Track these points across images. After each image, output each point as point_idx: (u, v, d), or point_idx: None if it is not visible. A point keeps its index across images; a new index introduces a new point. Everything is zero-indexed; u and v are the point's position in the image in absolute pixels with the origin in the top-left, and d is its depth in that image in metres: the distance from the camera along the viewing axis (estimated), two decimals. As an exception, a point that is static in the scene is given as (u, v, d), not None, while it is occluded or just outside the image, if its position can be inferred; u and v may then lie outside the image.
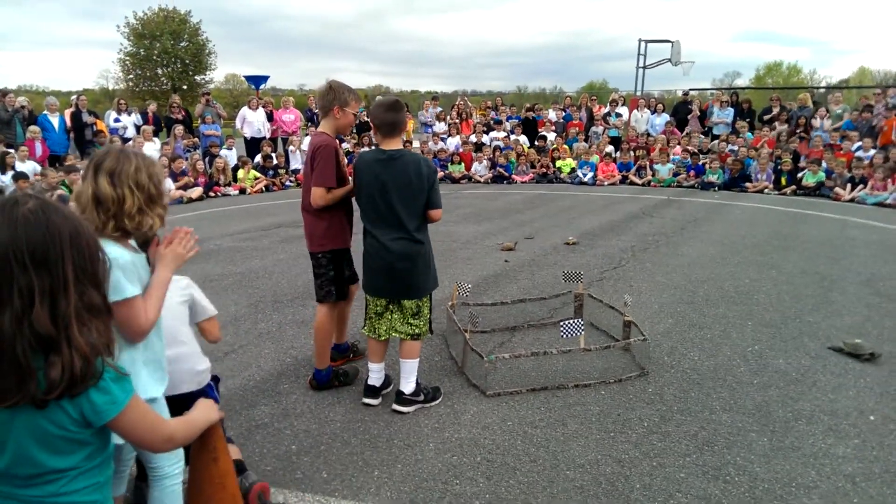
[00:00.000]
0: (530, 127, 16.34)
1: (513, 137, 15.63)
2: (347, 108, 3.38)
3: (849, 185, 11.58)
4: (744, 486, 2.72)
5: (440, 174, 14.61)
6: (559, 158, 14.77)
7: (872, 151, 12.14)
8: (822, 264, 6.60)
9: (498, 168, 14.62)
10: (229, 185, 12.75)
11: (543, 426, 3.22)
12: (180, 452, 1.88)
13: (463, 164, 14.96)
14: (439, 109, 17.35)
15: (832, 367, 3.97)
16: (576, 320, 3.80)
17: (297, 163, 14.34)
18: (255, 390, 3.63)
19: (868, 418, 3.32)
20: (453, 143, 15.80)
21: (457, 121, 16.70)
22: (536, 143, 15.57)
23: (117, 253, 1.80)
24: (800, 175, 12.42)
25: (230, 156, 13.67)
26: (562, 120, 16.39)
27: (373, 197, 3.17)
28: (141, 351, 1.90)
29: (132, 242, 1.96)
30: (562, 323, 3.77)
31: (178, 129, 13.62)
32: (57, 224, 1.31)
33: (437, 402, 3.41)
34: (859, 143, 12.38)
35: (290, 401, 3.49)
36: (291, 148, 14.45)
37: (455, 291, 4.49)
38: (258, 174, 13.24)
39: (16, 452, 1.33)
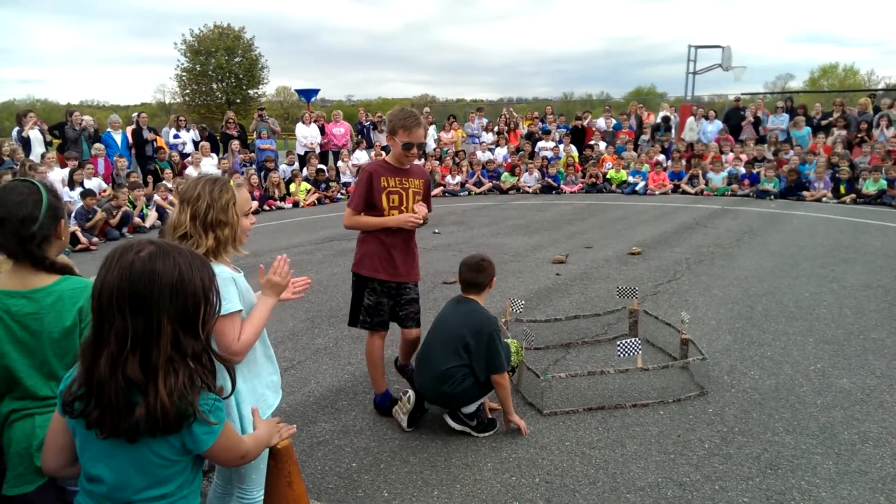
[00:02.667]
0: (579, 136, 16.23)
1: (561, 146, 15.56)
2: (396, 137, 3.40)
3: (915, 192, 11.08)
4: (810, 513, 2.66)
5: (487, 185, 14.71)
6: (610, 168, 14.63)
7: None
8: (887, 277, 6.36)
9: (547, 178, 14.58)
10: (283, 198, 13.11)
11: (602, 447, 3.22)
12: (263, 479, 1.98)
13: (516, 175, 14.97)
14: (486, 120, 17.42)
15: (902, 388, 3.83)
16: (633, 339, 3.78)
17: (347, 176, 14.63)
18: (315, 406, 3.74)
19: (942, 443, 3.19)
20: (501, 153, 15.84)
21: (505, 131, 16.74)
22: (585, 152, 15.46)
23: (217, 270, 1.92)
24: (859, 183, 11.95)
25: (288, 171, 14.08)
26: (611, 129, 16.22)
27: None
28: (257, 365, 2.11)
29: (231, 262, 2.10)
30: (619, 342, 3.76)
31: (235, 144, 14.10)
32: (160, 272, 1.38)
33: (487, 434, 3.35)
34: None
35: (350, 417, 3.59)
36: (341, 163, 14.77)
37: (508, 308, 4.52)
38: (310, 186, 13.57)
39: (117, 479, 1.44)
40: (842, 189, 11.97)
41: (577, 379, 3.93)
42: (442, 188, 14.66)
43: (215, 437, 1.47)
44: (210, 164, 13.26)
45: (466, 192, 14.69)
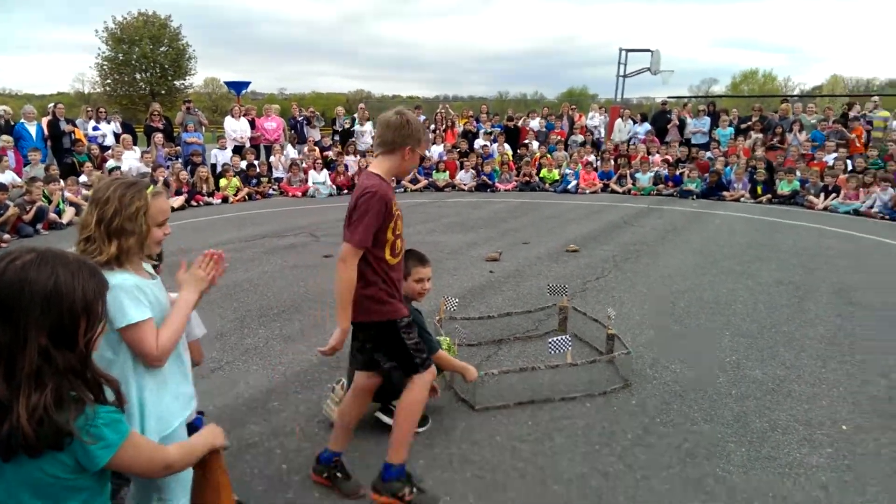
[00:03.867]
0: (513, 135, 16.50)
1: (496, 146, 15.77)
2: (418, 150, 2.73)
3: (822, 194, 11.87)
4: (723, 498, 2.81)
5: (423, 182, 14.72)
6: (542, 167, 14.94)
7: (833, 156, 12.48)
8: (797, 274, 6.79)
9: (482, 177, 14.74)
10: (212, 194, 12.69)
11: (531, 441, 3.30)
12: (188, 490, 1.91)
13: (447, 172, 15.05)
14: (423, 118, 17.42)
15: (807, 377, 4.11)
16: (563, 337, 3.89)
17: (279, 172, 14.33)
18: (244, 409, 3.65)
19: (841, 428, 3.44)
20: (437, 150, 15.90)
21: (441, 129, 16.80)
22: (519, 151, 15.73)
23: (119, 279, 1.84)
24: (775, 184, 12.71)
25: (222, 155, 13.68)
26: (544, 129, 16.57)
27: None
28: (164, 376, 1.95)
29: (147, 268, 2.00)
30: (550, 340, 3.86)
31: (158, 137, 13.52)
32: (32, 281, 1.31)
33: (420, 430, 3.33)
34: (835, 154, 12.68)
35: (281, 419, 3.53)
36: (273, 158, 14.46)
37: (442, 305, 4.56)
38: (240, 183, 13.20)
39: (8, 500, 1.35)
40: (759, 190, 12.68)
41: (510, 374, 4.01)
42: (378, 185, 14.55)
43: (113, 451, 1.39)
44: (132, 158, 12.68)
45: (402, 189, 14.65)
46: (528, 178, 14.66)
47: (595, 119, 16.73)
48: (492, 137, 16.19)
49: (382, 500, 2.70)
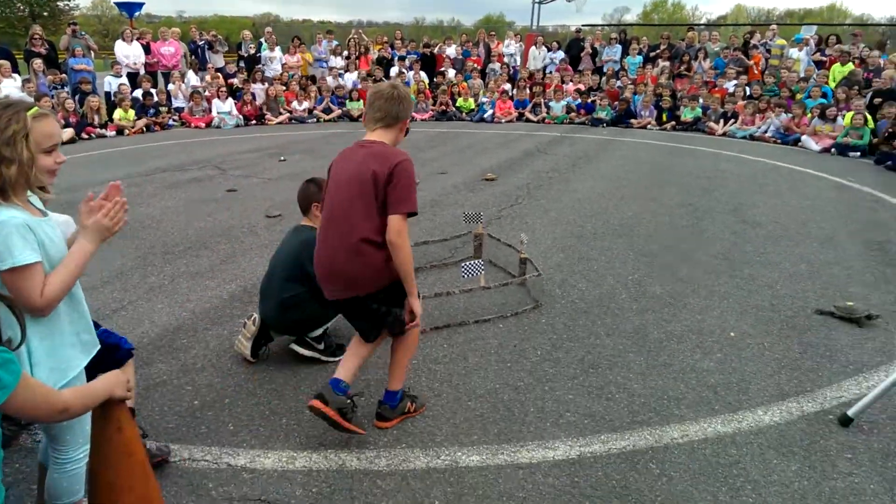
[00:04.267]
0: (429, 63, 16.11)
1: (411, 74, 15.38)
2: (406, 123, 2.80)
3: (722, 121, 12.46)
4: (623, 402, 3.03)
5: (337, 111, 14.25)
6: (459, 95, 14.77)
7: (733, 83, 13.06)
8: (696, 196, 7.17)
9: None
10: (105, 125, 11.75)
11: (446, 362, 3.39)
12: (87, 437, 1.83)
13: (362, 101, 14.60)
14: (335, 44, 16.66)
15: (700, 290, 4.41)
16: (477, 261, 3.96)
17: (179, 101, 13.42)
18: (151, 347, 3.53)
19: (729, 335, 3.75)
20: (351, 79, 15.33)
21: (354, 55, 16.16)
22: (435, 79, 15.43)
23: (6, 215, 1.66)
24: (680, 111, 13.19)
25: (115, 84, 12.62)
26: (461, 56, 16.27)
27: None
28: (58, 323, 1.81)
29: (35, 203, 1.82)
30: (463, 264, 3.92)
31: (37, 63, 12.20)
32: None
33: (336, 358, 3.31)
34: (735, 81, 13.23)
35: (190, 356, 3.44)
36: (172, 86, 13.49)
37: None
38: (136, 115, 12.27)
39: None
40: (664, 117, 13.12)
41: (426, 300, 4.05)
42: (288, 115, 13.97)
43: (7, 393, 1.32)
44: (12, 87, 11.44)
45: (315, 120, 14.14)
46: (444, 107, 14.47)
47: (511, 47, 16.57)
48: (407, 65, 15.76)
49: (394, 423, 2.82)
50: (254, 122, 13.61)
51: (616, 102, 13.67)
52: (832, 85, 12.21)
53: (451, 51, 16.48)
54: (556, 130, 12.82)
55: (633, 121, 13.34)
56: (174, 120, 12.98)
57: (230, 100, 13.41)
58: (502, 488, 2.43)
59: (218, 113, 13.13)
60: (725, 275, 4.72)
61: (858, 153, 10.07)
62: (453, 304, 4.12)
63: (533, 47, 16.23)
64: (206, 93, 13.49)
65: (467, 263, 3.91)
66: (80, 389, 1.63)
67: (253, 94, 13.83)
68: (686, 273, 4.74)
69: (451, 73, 15.72)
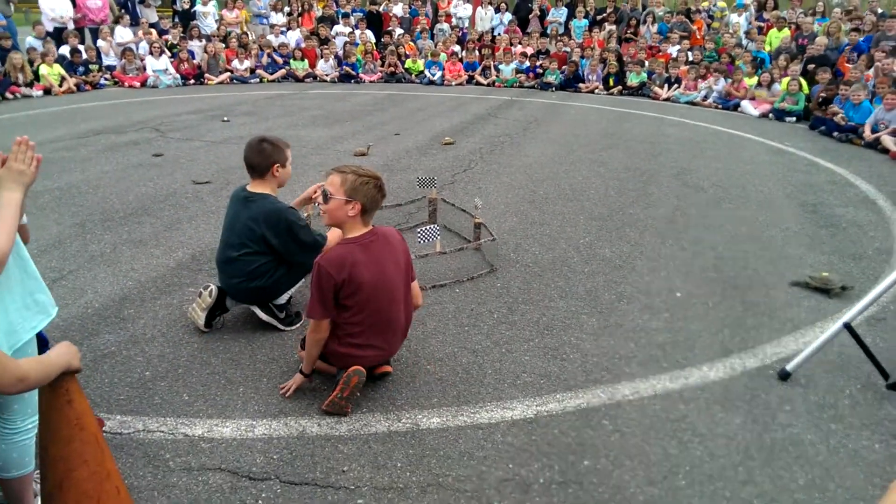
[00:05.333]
0: (375, 22, 15.70)
1: (358, 32, 14.96)
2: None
3: (666, 85, 12.69)
4: (577, 362, 3.12)
5: (281, 72, 13.78)
6: (407, 56, 14.48)
7: (676, 48, 13.29)
8: (642, 160, 7.33)
9: (345, 67, 14.04)
10: (31, 84, 11.01)
11: (403, 327, 3.40)
12: (35, 408, 1.75)
13: (307, 60, 14.15)
14: None
15: (648, 252, 4.55)
16: (432, 226, 3.95)
17: (110, 59, 12.68)
18: (96, 318, 3.40)
19: (675, 295, 3.89)
20: (294, 37, 14.79)
21: (297, 12, 15.57)
22: (383, 39, 15.06)
23: None
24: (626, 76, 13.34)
25: (39, 45, 11.76)
26: (408, 15, 15.90)
27: None
28: (7, 283, 1.70)
29: None
30: (419, 230, 3.91)
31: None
32: None
33: (294, 327, 3.35)
34: (678, 46, 13.44)
35: (139, 326, 3.33)
36: (101, 42, 12.71)
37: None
38: (65, 72, 11.53)
39: None
40: (611, 82, 13.26)
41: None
42: (229, 74, 13.42)
43: None
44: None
45: (258, 80, 13.64)
46: (393, 69, 14.19)
47: (459, 8, 16.28)
48: (352, 23, 15.32)
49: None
50: (192, 81, 13.03)
51: (564, 66, 13.71)
52: (767, 49, 12.57)
53: (398, 9, 16.09)
54: (506, 94, 12.79)
55: (581, 85, 13.43)
56: (106, 79, 12.28)
57: (165, 57, 12.75)
58: (462, 448, 2.48)
59: (153, 71, 12.49)
60: (671, 237, 4.87)
61: (794, 118, 10.46)
62: (409, 270, 4.11)
63: (480, 8, 16.01)
64: (140, 50, 12.79)
65: (423, 229, 3.90)
66: (36, 360, 1.56)
67: (190, 52, 13.20)
68: (634, 236, 4.87)
69: (398, 32, 15.37)
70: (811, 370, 3.07)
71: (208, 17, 14.65)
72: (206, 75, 13.20)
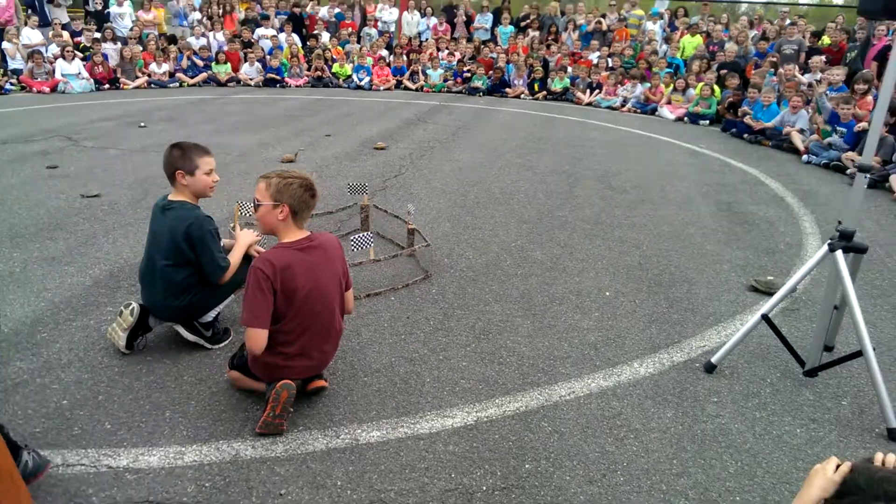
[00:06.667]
0: (300, 25, 15.40)
1: (283, 36, 14.64)
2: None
3: (588, 90, 13.09)
4: (514, 365, 3.15)
5: (203, 75, 13.32)
6: (334, 61, 14.29)
7: (596, 55, 13.74)
8: (568, 163, 7.53)
9: (269, 73, 13.71)
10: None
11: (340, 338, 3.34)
12: None
13: (229, 64, 13.72)
14: (197, 1, 15.45)
15: (577, 253, 4.66)
16: (366, 234, 3.90)
17: (17, 62, 11.89)
18: (6, 344, 3.15)
19: (605, 294, 4.01)
20: (217, 40, 14.32)
21: (219, 14, 15.08)
22: (309, 43, 14.80)
23: None
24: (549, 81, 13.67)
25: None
26: (334, 19, 15.70)
27: None
28: None
29: None
30: (352, 238, 3.85)
31: None
32: None
33: (221, 345, 3.22)
34: (598, 53, 13.89)
35: (53, 351, 3.11)
36: (7, 45, 11.88)
37: (237, 211, 4.28)
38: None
39: None
40: (535, 86, 13.56)
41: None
42: (147, 78, 12.84)
43: None
44: None
45: (178, 84, 13.12)
46: (320, 73, 13.97)
47: (386, 13, 16.20)
48: (277, 25, 14.99)
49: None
50: (107, 86, 12.38)
51: (491, 72, 13.90)
52: (679, 55, 13.19)
53: (324, 12, 15.86)
54: (434, 99, 12.84)
55: (507, 90, 13.65)
56: (12, 83, 11.48)
57: (78, 61, 12.06)
58: (404, 461, 2.46)
59: (63, 75, 11.78)
60: (598, 238, 5.02)
61: (707, 121, 11.04)
62: (342, 279, 4.04)
63: (406, 12, 16.02)
64: (49, 53, 12.04)
65: (357, 236, 3.85)
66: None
67: (105, 55, 12.54)
68: (563, 238, 4.99)
69: (325, 36, 15.15)
70: (734, 361, 3.24)
71: (124, 18, 13.98)
72: (122, 79, 12.57)
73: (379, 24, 15.78)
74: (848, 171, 7.45)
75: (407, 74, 14.28)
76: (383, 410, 2.76)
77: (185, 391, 2.83)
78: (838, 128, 8.07)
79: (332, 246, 2.72)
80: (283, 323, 2.54)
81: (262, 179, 2.64)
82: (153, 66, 13.02)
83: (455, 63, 14.28)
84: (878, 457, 1.40)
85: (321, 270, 2.61)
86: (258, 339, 2.48)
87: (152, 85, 12.84)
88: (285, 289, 2.49)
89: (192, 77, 13.28)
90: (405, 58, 14.51)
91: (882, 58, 9.87)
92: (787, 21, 12.94)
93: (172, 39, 13.91)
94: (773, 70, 10.82)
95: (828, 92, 8.91)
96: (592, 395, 2.94)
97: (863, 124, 7.66)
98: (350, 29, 15.38)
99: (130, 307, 3.06)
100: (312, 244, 2.62)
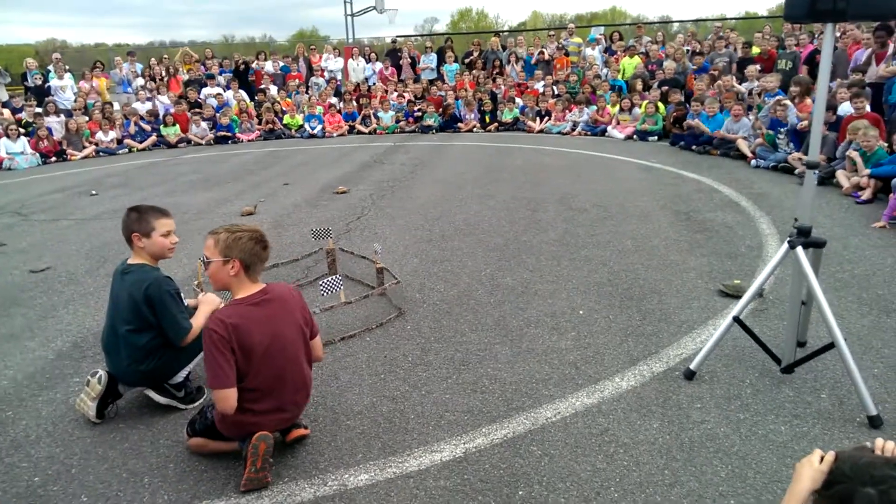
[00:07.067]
0: (246, 80, 15.47)
1: (230, 93, 14.67)
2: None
3: (538, 118, 13.42)
4: (497, 393, 3.13)
5: (151, 139, 13.20)
6: (284, 112, 14.36)
7: (541, 84, 14.15)
8: (527, 190, 7.65)
9: (219, 131, 13.67)
10: None
11: (318, 385, 3.26)
12: None
13: (178, 125, 13.64)
14: (139, 66, 15.42)
15: (547, 276, 4.71)
16: (334, 277, 3.86)
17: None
18: (-35, 428, 2.99)
19: (578, 313, 4.04)
20: (163, 102, 14.25)
21: (161, 77, 15.04)
22: (257, 97, 14.86)
23: None
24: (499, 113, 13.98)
25: None
26: (280, 72, 15.82)
27: None
28: None
29: None
30: (321, 282, 3.81)
31: None
32: None
33: (196, 405, 3.12)
34: (543, 82, 14.30)
35: (20, 429, 2.96)
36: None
37: (199, 268, 4.20)
38: None
39: None
40: (486, 119, 13.84)
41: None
42: (94, 147, 12.66)
43: None
44: None
45: (127, 150, 12.96)
46: (271, 126, 13.99)
47: (330, 61, 16.41)
48: (223, 83, 15.02)
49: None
50: (53, 159, 12.15)
51: (441, 109, 14.15)
52: (620, 76, 13.67)
53: (269, 67, 15.98)
54: (388, 140, 12.97)
55: (459, 125, 13.90)
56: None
57: (22, 138, 11.84)
58: (395, 501, 2.40)
59: (8, 153, 11.52)
60: (565, 258, 5.08)
61: (656, 137, 11.40)
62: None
63: (351, 59, 16.26)
64: (-10, 130, 11.79)
65: (325, 281, 3.81)
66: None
67: (49, 129, 12.34)
68: (532, 262, 5.03)
69: (272, 89, 15.24)
70: (712, 366, 3.28)
71: (66, 91, 13.83)
72: (69, 151, 12.37)
73: (325, 73, 15.96)
74: (796, 171, 7.76)
75: (359, 119, 14.42)
76: (369, 452, 2.70)
77: (163, 455, 2.72)
78: (780, 129, 8.42)
79: (288, 296, 2.66)
80: (248, 381, 2.46)
81: (211, 235, 2.57)
82: (100, 135, 12.86)
83: (406, 104, 14.50)
84: (879, 443, 1.43)
85: (279, 323, 2.55)
86: (227, 399, 2.40)
87: (101, 154, 12.67)
88: (242, 346, 2.42)
89: (140, 142, 13.15)
90: (355, 103, 14.67)
91: (811, 61, 10.42)
92: (720, 34, 13.54)
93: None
94: (711, 83, 11.28)
95: (765, 98, 9.31)
96: (578, 413, 2.93)
97: (804, 123, 8.02)
98: (297, 80, 15.50)
99: (98, 375, 2.95)
100: (267, 297, 2.56)
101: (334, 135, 13.92)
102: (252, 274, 2.57)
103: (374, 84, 15.58)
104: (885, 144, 6.84)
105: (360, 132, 14.18)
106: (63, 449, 2.80)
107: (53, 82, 13.88)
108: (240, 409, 2.46)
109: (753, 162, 8.61)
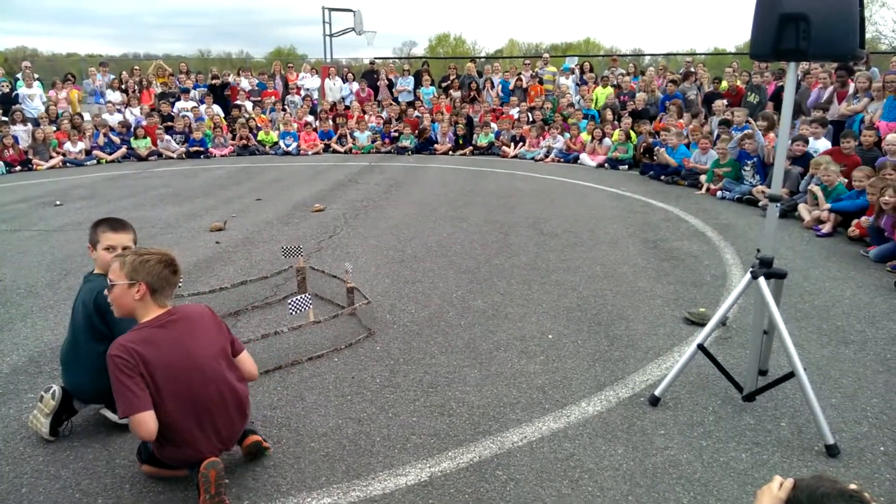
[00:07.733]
0: (221, 96, 15.39)
1: (203, 107, 14.55)
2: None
3: (513, 144, 13.59)
4: (464, 416, 3.12)
5: (122, 151, 13.01)
6: (259, 129, 14.29)
7: (517, 110, 14.37)
8: (500, 213, 7.71)
9: (192, 146, 13.53)
10: None
11: (283, 405, 3.22)
12: None
13: (149, 138, 13.46)
14: (111, 77, 15.23)
15: (517, 299, 4.73)
16: (303, 296, 3.83)
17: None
18: None
19: (548, 337, 4.06)
20: (133, 114, 14.07)
21: (135, 90, 14.88)
22: (232, 113, 14.77)
23: None
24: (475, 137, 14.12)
25: None
26: (256, 88, 15.78)
27: None
28: None
29: None
30: (290, 301, 3.77)
31: None
32: None
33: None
34: (518, 108, 14.52)
35: (-34, 447, 2.85)
36: None
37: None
38: None
39: None
40: (461, 142, 13.96)
41: (252, 344, 3.82)
42: (62, 157, 12.40)
43: None
44: None
45: (95, 161, 12.73)
46: (245, 142, 13.90)
47: (307, 80, 16.43)
48: (197, 97, 14.90)
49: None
50: (18, 168, 11.87)
51: (417, 131, 14.25)
52: (593, 106, 13.96)
53: (245, 83, 15.92)
54: (364, 160, 12.98)
55: (435, 147, 13.99)
56: None
57: (-15, 145, 11.55)
58: (359, 526, 2.36)
59: (-31, 159, 11.22)
60: (536, 283, 5.12)
61: (626, 166, 11.63)
62: (283, 344, 3.93)
63: (328, 79, 16.31)
64: (-49, 137, 11.49)
65: (294, 299, 3.77)
66: None
67: (15, 137, 12.07)
68: (502, 285, 5.06)
69: (248, 105, 15.17)
70: (677, 392, 3.31)
71: (34, 100, 13.57)
72: (35, 160, 12.10)
73: (301, 91, 15.97)
74: (760, 204, 7.97)
75: (335, 138, 14.41)
76: (333, 475, 2.65)
77: (119, 475, 2.64)
78: (747, 161, 8.66)
79: (198, 315, 2.57)
80: (167, 407, 2.35)
81: (117, 259, 2.52)
82: (68, 146, 12.62)
83: (382, 125, 14.56)
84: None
85: (190, 343, 2.46)
86: (145, 424, 2.28)
87: (68, 164, 12.41)
88: (151, 371, 2.32)
89: (110, 154, 12.93)
90: (331, 122, 14.68)
91: (776, 98, 10.78)
92: (690, 69, 13.93)
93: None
94: (677, 115, 11.58)
95: (732, 131, 9.58)
96: (544, 438, 2.93)
97: (769, 147, 8.28)
98: (273, 97, 15.47)
99: (51, 391, 2.86)
100: (173, 318, 2.48)
101: (309, 153, 13.89)
102: (159, 298, 2.50)
103: (352, 103, 15.62)
104: (846, 180, 7.09)
105: (335, 151, 14.17)
106: (13, 467, 2.69)
107: (22, 90, 13.63)
108: (171, 441, 2.38)
109: (719, 193, 8.82)
